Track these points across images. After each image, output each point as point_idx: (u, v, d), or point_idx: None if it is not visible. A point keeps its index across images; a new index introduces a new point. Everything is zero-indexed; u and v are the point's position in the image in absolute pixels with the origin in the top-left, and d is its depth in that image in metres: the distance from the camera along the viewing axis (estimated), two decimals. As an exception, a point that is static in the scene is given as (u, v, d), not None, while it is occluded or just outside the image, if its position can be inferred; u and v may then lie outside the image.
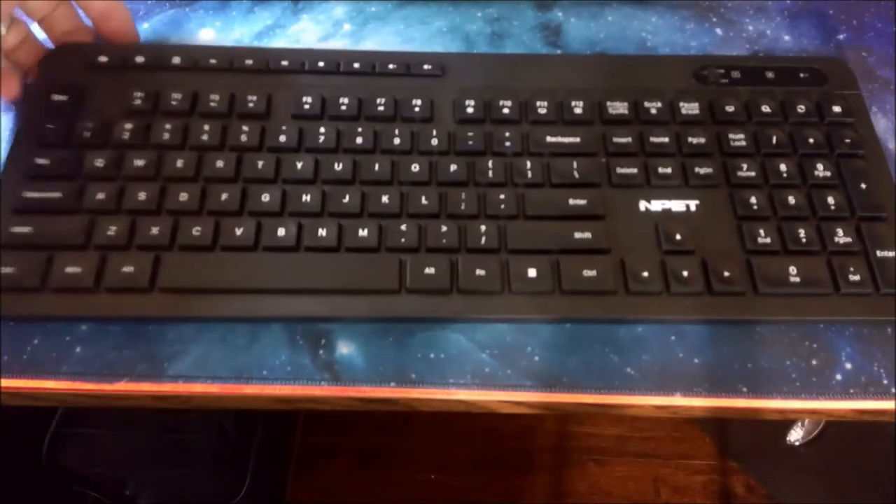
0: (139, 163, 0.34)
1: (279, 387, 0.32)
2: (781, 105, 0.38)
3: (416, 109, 0.36)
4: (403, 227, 0.33)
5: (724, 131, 0.37)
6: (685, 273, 0.32)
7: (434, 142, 0.35)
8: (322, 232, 0.32)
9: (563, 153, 0.36)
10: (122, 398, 0.32)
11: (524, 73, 0.39)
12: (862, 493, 0.89)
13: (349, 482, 1.02)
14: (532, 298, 0.32)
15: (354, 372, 0.32)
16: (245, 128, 0.35)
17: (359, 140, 0.35)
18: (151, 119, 0.35)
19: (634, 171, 0.35)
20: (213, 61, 0.37)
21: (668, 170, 0.35)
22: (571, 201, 0.34)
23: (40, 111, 0.35)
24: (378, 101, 0.36)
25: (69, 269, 0.31)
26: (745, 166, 0.35)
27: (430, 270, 0.32)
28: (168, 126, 0.35)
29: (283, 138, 0.35)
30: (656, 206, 0.35)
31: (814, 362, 0.33)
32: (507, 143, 0.36)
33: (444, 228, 0.33)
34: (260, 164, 0.34)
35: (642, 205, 0.35)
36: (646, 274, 0.32)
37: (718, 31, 0.43)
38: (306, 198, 0.33)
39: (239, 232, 0.32)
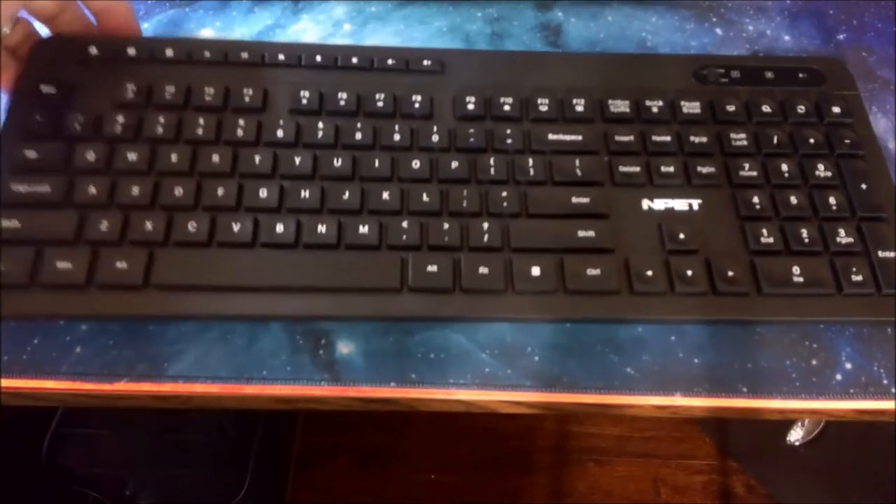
0: (132, 157, 0.33)
1: (279, 387, 0.32)
2: (781, 105, 0.38)
3: (416, 106, 0.36)
4: (405, 225, 0.32)
5: (725, 131, 0.36)
6: (689, 273, 0.32)
7: (434, 138, 0.35)
8: (321, 229, 0.32)
9: (564, 151, 0.35)
10: (122, 398, 0.32)
11: (524, 70, 0.38)
12: (862, 493, 0.89)
13: (349, 482, 1.02)
14: (536, 298, 0.32)
15: (354, 372, 0.32)
16: (241, 122, 0.35)
17: (358, 136, 0.35)
18: (144, 112, 0.35)
19: (637, 169, 0.35)
20: (207, 54, 0.37)
21: (671, 169, 0.35)
22: (574, 200, 0.34)
23: (29, 103, 0.34)
24: (377, 96, 0.36)
25: (60, 265, 0.30)
26: (746, 166, 0.35)
27: (432, 269, 0.31)
28: (161, 120, 0.34)
29: (280, 133, 0.34)
30: (659, 205, 0.34)
31: (814, 362, 0.33)
32: (509, 141, 0.35)
33: (445, 226, 0.33)
34: (257, 159, 0.34)
35: (645, 204, 0.34)
36: (650, 273, 0.32)
37: (718, 31, 0.43)
38: (305, 194, 0.33)
39: (236, 228, 0.32)
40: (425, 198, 0.33)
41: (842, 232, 0.34)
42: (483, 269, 0.32)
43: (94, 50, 0.36)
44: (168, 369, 0.31)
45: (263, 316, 0.32)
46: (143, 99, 0.35)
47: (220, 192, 0.33)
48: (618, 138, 0.36)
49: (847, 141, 0.36)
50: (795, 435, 0.98)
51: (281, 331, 0.32)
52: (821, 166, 0.36)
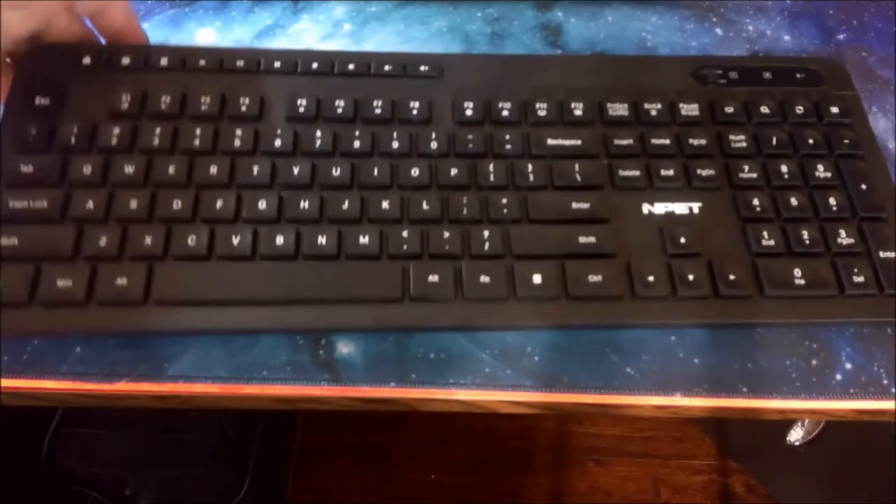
0: (128, 169, 0.33)
1: (279, 387, 0.32)
2: (780, 105, 0.38)
3: (414, 112, 0.36)
4: (405, 234, 0.32)
5: (725, 132, 0.36)
6: (691, 276, 0.32)
7: (433, 144, 0.35)
8: (321, 239, 0.32)
9: (564, 155, 0.35)
10: (122, 398, 0.32)
11: (521, 73, 0.38)
12: (862, 493, 0.89)
13: (349, 482, 1.02)
14: (538, 305, 0.31)
15: (354, 372, 0.32)
16: (238, 131, 0.34)
17: (356, 143, 0.34)
18: (139, 122, 0.34)
19: (637, 173, 0.35)
20: (202, 62, 0.36)
21: (671, 172, 0.35)
22: (575, 205, 0.34)
23: (23, 115, 0.34)
24: (375, 103, 0.36)
25: (60, 283, 0.30)
26: (746, 167, 0.35)
27: (433, 278, 0.31)
28: (157, 130, 0.34)
29: (277, 142, 0.34)
30: (659, 208, 0.34)
31: (814, 362, 0.33)
32: (508, 146, 0.35)
33: (446, 234, 0.32)
34: (255, 169, 0.33)
35: (645, 207, 0.34)
36: (651, 278, 0.32)
37: (718, 31, 0.43)
38: (304, 204, 0.33)
39: (235, 241, 0.31)
40: (425, 206, 0.33)
41: (842, 233, 0.34)
42: (485, 278, 0.31)
43: (87, 59, 0.36)
44: (168, 369, 0.31)
45: (266, 329, 0.31)
46: (137, 109, 0.34)
47: (219, 203, 0.32)
48: (617, 141, 0.36)
49: (846, 141, 0.36)
50: (795, 435, 0.98)
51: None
52: (820, 167, 0.35)
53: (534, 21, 0.43)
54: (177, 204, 0.32)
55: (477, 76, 0.38)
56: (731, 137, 0.36)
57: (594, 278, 0.32)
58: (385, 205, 0.33)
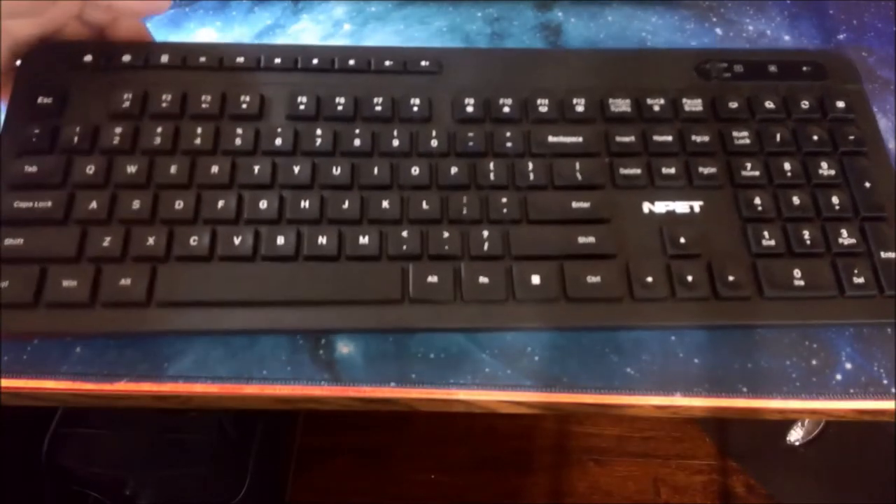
0: (130, 169, 0.33)
1: (279, 387, 0.32)
2: (784, 101, 0.37)
3: (415, 109, 0.36)
4: (405, 234, 0.32)
5: (728, 129, 0.36)
6: (690, 278, 0.32)
7: (434, 143, 0.35)
8: (322, 240, 0.32)
9: (565, 153, 0.35)
10: (122, 398, 0.32)
11: (523, 68, 0.38)
12: (862, 493, 0.89)
13: (349, 482, 1.02)
14: (537, 306, 0.31)
15: (354, 372, 0.32)
16: (239, 130, 0.34)
17: (356, 142, 0.35)
18: (140, 122, 0.34)
19: (638, 171, 0.35)
20: (202, 59, 0.36)
21: (672, 170, 0.35)
22: (575, 204, 0.34)
23: (25, 115, 0.34)
24: (375, 100, 0.36)
25: (65, 284, 0.30)
26: (748, 165, 0.35)
27: (432, 279, 0.31)
28: (158, 130, 0.34)
29: (278, 141, 0.34)
30: (660, 207, 0.34)
31: (814, 362, 0.33)
32: (509, 144, 0.35)
33: (446, 234, 0.32)
34: (256, 169, 0.33)
35: (646, 207, 0.34)
36: (650, 279, 0.32)
37: (718, 30, 0.43)
38: (305, 204, 0.33)
39: (237, 241, 0.32)
40: (425, 205, 0.33)
41: (844, 232, 0.33)
42: (483, 279, 0.31)
43: (88, 57, 0.36)
44: (168, 369, 0.31)
45: (267, 330, 0.31)
46: (138, 108, 0.34)
47: (220, 204, 0.32)
48: (619, 139, 0.36)
49: (851, 137, 0.36)
50: (795, 435, 0.98)
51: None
52: (824, 164, 0.35)
53: (534, 21, 0.43)
54: (179, 204, 0.32)
55: (477, 72, 0.38)
56: (734, 134, 0.36)
57: (593, 279, 0.32)
58: (385, 204, 0.33)
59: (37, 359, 0.31)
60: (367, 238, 0.32)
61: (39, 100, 0.34)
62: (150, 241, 0.31)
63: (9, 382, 0.31)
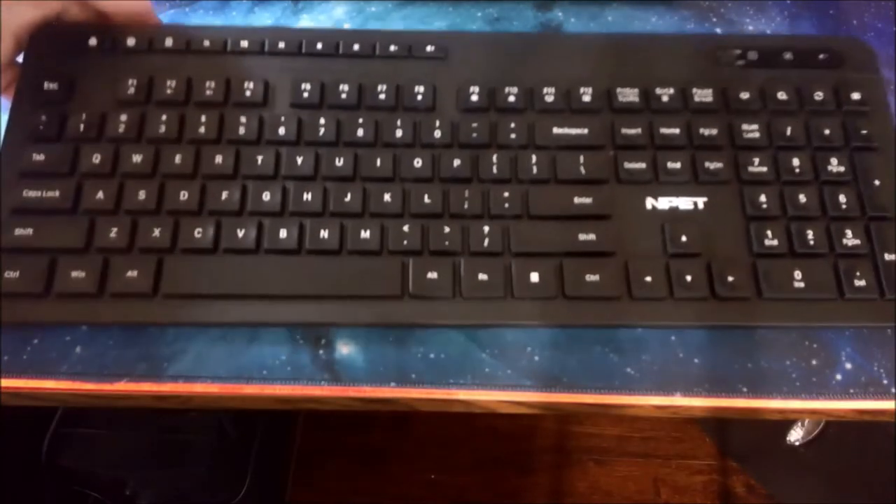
0: (136, 159, 0.33)
1: (279, 387, 0.32)
2: (798, 91, 0.36)
3: (419, 98, 0.35)
4: (406, 229, 0.32)
5: (738, 122, 0.35)
6: (689, 277, 0.32)
7: (437, 134, 0.34)
8: (324, 234, 0.32)
9: (569, 146, 0.35)
10: (122, 398, 0.32)
11: (530, 54, 0.37)
12: (862, 493, 0.89)
13: (349, 482, 1.02)
14: (535, 304, 0.32)
15: (354, 372, 0.32)
16: (243, 119, 0.34)
17: (360, 133, 0.34)
18: (146, 109, 0.34)
19: (643, 166, 0.34)
20: (206, 43, 0.36)
21: (678, 165, 0.34)
22: (577, 200, 0.34)
23: (32, 101, 0.34)
24: (379, 88, 0.35)
25: (73, 275, 0.31)
26: (756, 161, 0.34)
27: (432, 275, 0.31)
28: (164, 118, 0.34)
29: (282, 131, 0.34)
30: (663, 203, 0.34)
31: (814, 362, 0.33)
32: (513, 136, 0.35)
33: (446, 230, 0.32)
34: (259, 159, 0.34)
35: (649, 202, 0.34)
36: (649, 279, 0.32)
37: (718, 31, 0.43)
38: (307, 196, 0.33)
39: (240, 234, 0.32)
40: (427, 199, 0.33)
41: (849, 233, 0.33)
42: (482, 276, 0.32)
43: (93, 41, 0.36)
44: (168, 369, 0.31)
45: (268, 323, 0.32)
46: (144, 95, 0.35)
47: (224, 195, 0.33)
48: (624, 131, 0.35)
49: (863, 132, 0.35)
50: (795, 435, 0.98)
51: (281, 331, 0.32)
52: (834, 160, 0.34)
53: (534, 21, 0.43)
54: (184, 195, 0.33)
55: (484, 58, 0.37)
56: (744, 128, 0.35)
57: (591, 278, 0.32)
58: (387, 198, 0.33)
59: (37, 359, 0.31)
60: (368, 232, 0.32)
61: (46, 85, 0.34)
62: (156, 232, 0.32)
63: (9, 382, 0.31)
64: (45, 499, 0.72)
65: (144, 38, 0.36)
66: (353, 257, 0.32)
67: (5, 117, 0.35)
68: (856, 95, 0.36)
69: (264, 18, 0.42)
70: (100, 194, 0.32)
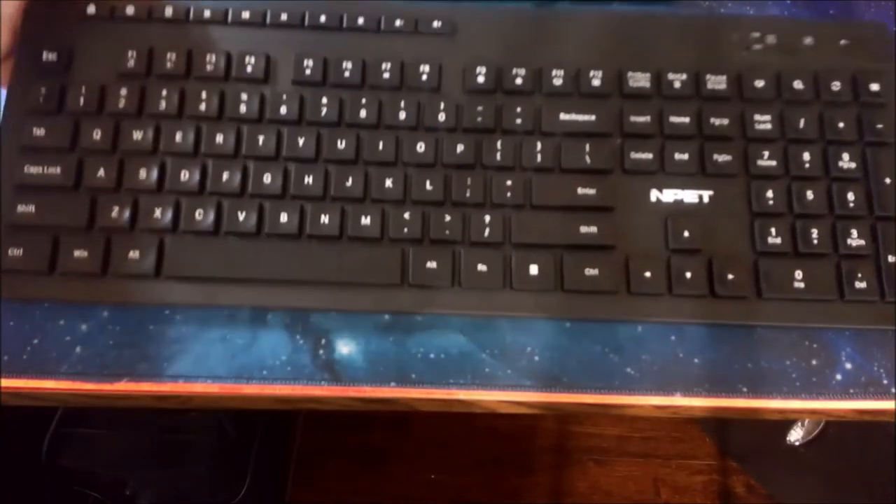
0: (137, 136, 0.33)
1: (279, 387, 0.32)
2: (815, 80, 0.35)
3: (424, 78, 0.34)
4: (406, 216, 0.32)
5: (750, 112, 0.34)
6: (689, 274, 0.32)
7: (441, 117, 0.34)
8: (325, 219, 0.32)
9: (575, 133, 0.34)
10: (122, 398, 0.32)
11: (541, 31, 0.36)
12: (862, 493, 0.89)
13: (349, 482, 1.02)
14: (532, 296, 0.32)
15: (354, 372, 0.32)
16: (244, 96, 0.34)
17: (362, 113, 0.34)
18: (146, 82, 0.34)
19: (649, 156, 0.34)
20: (207, 14, 0.35)
21: (685, 156, 0.34)
22: (580, 190, 0.33)
23: (31, 71, 0.34)
24: (383, 66, 0.34)
25: (76, 254, 0.31)
26: (766, 154, 0.34)
27: (431, 264, 0.32)
28: (164, 93, 0.34)
29: (283, 110, 0.34)
30: (668, 196, 0.33)
31: (814, 362, 0.33)
32: (518, 121, 0.34)
33: (447, 218, 0.32)
34: (261, 139, 0.33)
35: (653, 194, 0.33)
36: (648, 274, 0.32)
37: (718, 31, 0.43)
38: (309, 180, 0.33)
39: (241, 216, 0.32)
40: (429, 186, 0.33)
41: (854, 233, 0.32)
42: (482, 266, 0.32)
43: (91, 8, 0.35)
44: (168, 369, 0.31)
45: (267, 307, 0.32)
46: (144, 67, 0.34)
47: (226, 176, 0.33)
48: (633, 119, 0.34)
49: (878, 126, 0.34)
50: (795, 435, 0.98)
51: (281, 330, 0.32)
52: (845, 156, 0.34)
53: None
54: (184, 175, 0.32)
55: (492, 34, 0.36)
56: (756, 118, 0.34)
57: (591, 272, 0.32)
58: (388, 183, 0.33)
59: (37, 359, 0.31)
60: (368, 218, 0.32)
61: (44, 56, 0.34)
62: (157, 213, 0.32)
63: (9, 382, 0.31)
64: (45, 499, 0.72)
65: (144, 7, 0.35)
66: (354, 244, 0.32)
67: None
68: (874, 87, 0.35)
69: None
70: (101, 172, 0.32)
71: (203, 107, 0.34)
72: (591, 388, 0.32)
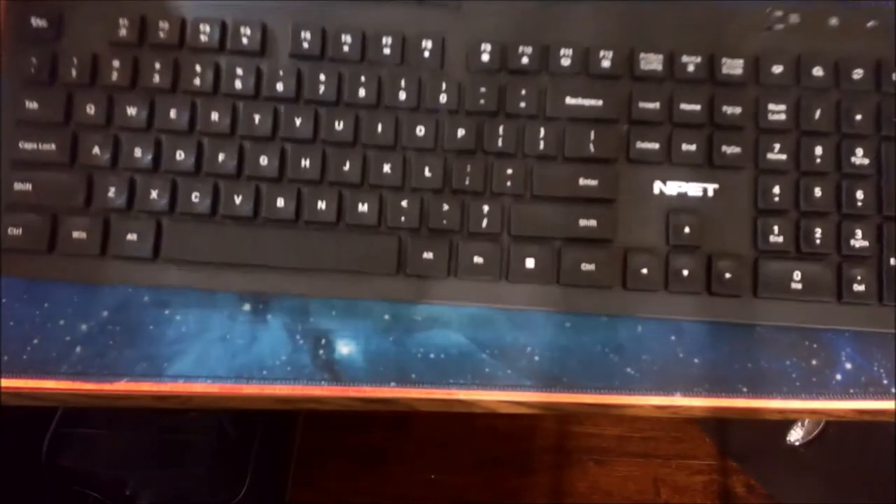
0: (131, 111, 0.32)
1: (279, 387, 0.31)
2: (836, 67, 0.33)
3: (426, 55, 0.33)
4: (404, 204, 0.32)
5: (765, 100, 0.33)
6: (686, 272, 0.32)
7: (443, 98, 0.32)
8: (321, 205, 0.32)
9: (581, 119, 0.33)
10: (122, 398, 0.32)
11: (550, 6, 0.34)
12: (862, 493, 0.89)
13: (349, 482, 1.02)
14: (528, 288, 0.32)
15: (354, 372, 0.32)
16: (239, 71, 0.33)
17: (362, 93, 0.32)
18: (139, 53, 0.33)
19: (656, 146, 0.32)
20: None
21: (693, 147, 0.32)
22: (582, 181, 0.32)
23: (21, 39, 0.33)
24: (384, 41, 0.33)
25: (75, 234, 0.31)
26: (777, 147, 0.32)
27: (428, 255, 0.31)
28: (157, 65, 0.32)
29: (280, 87, 0.32)
30: (672, 188, 0.32)
31: (814, 362, 0.33)
32: (522, 104, 0.32)
33: (445, 207, 0.32)
34: (257, 118, 0.32)
35: (657, 186, 0.32)
36: (645, 271, 0.32)
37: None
38: (306, 163, 0.32)
39: (238, 200, 0.32)
40: (427, 173, 0.32)
41: (859, 233, 0.32)
42: (478, 258, 0.32)
43: None
44: (168, 369, 0.31)
45: (265, 291, 0.33)
46: (136, 37, 0.33)
47: (221, 157, 0.32)
48: (641, 105, 0.33)
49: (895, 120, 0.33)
50: (795, 435, 0.98)
51: (281, 330, 0.32)
52: (859, 151, 0.32)
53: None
54: (180, 155, 0.32)
55: (499, 7, 0.34)
56: (770, 107, 0.33)
57: (587, 267, 0.32)
58: (387, 168, 0.32)
59: (37, 359, 0.31)
60: (366, 206, 0.32)
61: (33, 22, 0.33)
62: (154, 194, 0.32)
63: (9, 382, 0.31)
64: (45, 499, 0.72)
65: None
66: (351, 232, 0.32)
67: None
68: None
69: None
70: (96, 149, 0.32)
71: (198, 81, 0.33)
72: (591, 388, 0.32)
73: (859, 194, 0.32)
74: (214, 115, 0.32)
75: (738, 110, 0.33)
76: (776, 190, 0.32)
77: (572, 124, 0.33)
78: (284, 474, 0.99)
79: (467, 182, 0.32)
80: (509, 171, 0.32)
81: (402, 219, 0.32)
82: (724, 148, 0.32)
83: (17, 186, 0.32)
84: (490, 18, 0.34)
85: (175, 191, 0.32)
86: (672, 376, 0.32)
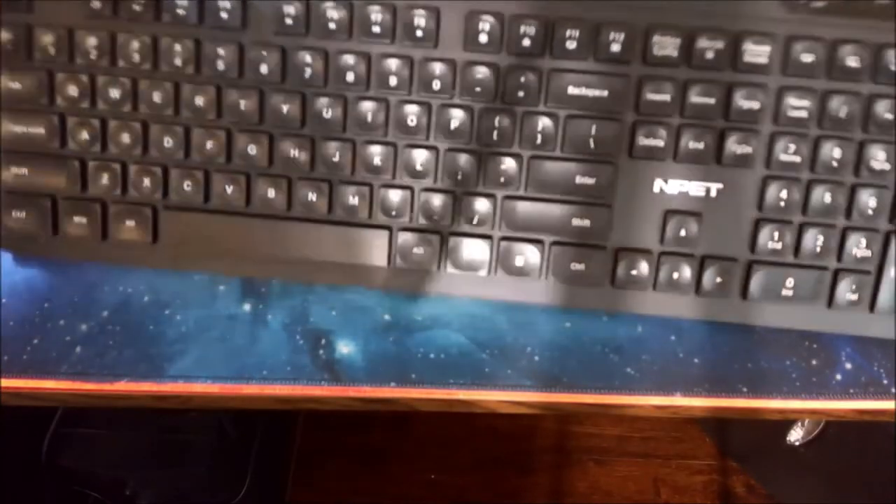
0: (114, 94, 0.31)
1: (279, 387, 0.32)
2: (873, 58, 0.29)
3: (419, 34, 0.30)
4: (395, 199, 0.32)
5: (787, 94, 0.30)
6: (676, 275, 0.31)
7: (436, 85, 0.30)
8: (312, 196, 0.32)
9: (583, 110, 0.30)
10: (122, 398, 0.32)
11: None
12: (862, 493, 0.89)
13: (349, 482, 1.02)
14: (515, 282, 0.32)
15: (354, 372, 0.32)
16: (221, 51, 0.31)
17: (349, 76, 0.31)
18: (115, 26, 0.31)
19: (661, 143, 0.30)
20: None
21: (700, 145, 0.30)
22: (579, 180, 0.31)
23: None
24: (373, 16, 0.30)
25: (76, 220, 0.32)
26: (792, 148, 0.30)
27: (418, 250, 0.32)
28: (136, 44, 0.31)
29: (264, 68, 0.31)
30: (673, 187, 0.31)
31: (814, 362, 0.33)
32: (521, 93, 0.30)
33: (437, 203, 0.32)
34: (242, 103, 0.31)
35: (657, 184, 0.31)
36: (634, 272, 0.31)
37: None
38: (294, 152, 0.32)
39: (229, 190, 0.32)
40: (419, 167, 0.31)
41: (863, 242, 0.30)
42: (468, 255, 0.32)
43: None
44: (168, 369, 0.31)
45: (258, 277, 0.34)
46: (110, 8, 0.31)
47: (209, 145, 0.32)
48: (650, 97, 0.30)
49: None
50: (795, 435, 0.98)
51: (281, 330, 0.32)
52: (881, 155, 0.30)
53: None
54: (168, 142, 0.32)
55: None
56: (792, 103, 0.30)
57: (577, 267, 0.31)
58: (377, 161, 0.31)
59: (37, 359, 0.31)
60: (356, 198, 0.32)
61: None
62: (147, 182, 0.32)
63: (9, 382, 0.31)
64: (45, 499, 0.72)
65: None
66: (341, 225, 0.32)
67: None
68: None
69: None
70: (84, 134, 0.32)
71: (178, 61, 0.31)
72: (591, 388, 0.32)
73: (871, 202, 0.30)
74: (198, 100, 0.31)
75: (755, 105, 0.30)
76: (783, 194, 0.30)
77: (573, 119, 0.31)
78: (284, 474, 0.99)
79: (459, 177, 0.31)
80: (503, 167, 0.31)
81: (393, 213, 0.32)
82: (734, 147, 0.30)
83: (15, 171, 0.32)
84: None
85: (167, 178, 0.32)
86: (672, 376, 0.32)
